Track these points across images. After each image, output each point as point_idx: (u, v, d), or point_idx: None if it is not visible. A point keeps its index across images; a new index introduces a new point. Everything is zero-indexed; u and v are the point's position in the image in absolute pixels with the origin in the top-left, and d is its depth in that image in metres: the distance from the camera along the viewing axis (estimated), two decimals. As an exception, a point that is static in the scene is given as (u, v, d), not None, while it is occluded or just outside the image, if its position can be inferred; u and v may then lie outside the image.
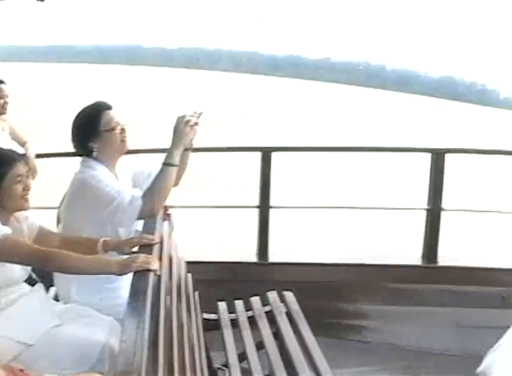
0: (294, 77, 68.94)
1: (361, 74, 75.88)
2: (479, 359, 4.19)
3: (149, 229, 3.39)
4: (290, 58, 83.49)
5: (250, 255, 5.40)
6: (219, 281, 4.98)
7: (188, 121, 3.49)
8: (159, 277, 2.82)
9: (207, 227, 8.85)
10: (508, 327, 4.13)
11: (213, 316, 4.09)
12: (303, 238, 8.55)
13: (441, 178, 5.36)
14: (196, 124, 3.54)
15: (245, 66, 72.37)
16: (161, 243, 3.30)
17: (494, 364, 4.05)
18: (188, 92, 40.33)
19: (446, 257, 5.54)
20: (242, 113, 34.11)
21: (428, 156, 5.41)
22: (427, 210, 5.44)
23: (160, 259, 3.03)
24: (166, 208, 3.95)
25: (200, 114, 3.58)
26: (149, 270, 2.71)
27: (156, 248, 3.09)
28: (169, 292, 3.03)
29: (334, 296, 5.18)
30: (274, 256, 5.41)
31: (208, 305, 4.12)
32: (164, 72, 60.83)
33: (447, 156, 5.36)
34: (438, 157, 5.34)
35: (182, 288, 3.53)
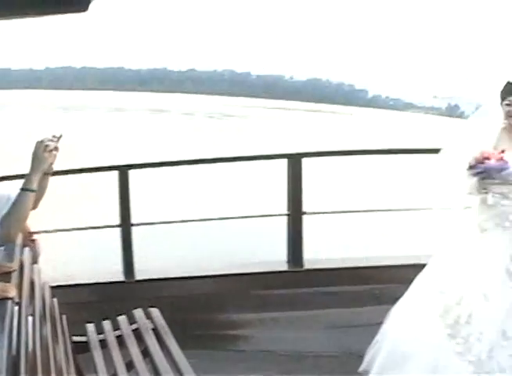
0: (161, 91, 68.52)
1: (226, 83, 76.26)
2: (357, 357, 4.38)
3: (8, 256, 3.32)
4: (154, 72, 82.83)
5: (117, 274, 5.32)
6: (88, 303, 4.89)
7: (47, 146, 3.42)
8: (18, 304, 2.80)
9: (76, 249, 8.70)
10: (380, 323, 4.33)
11: (83, 339, 4.02)
12: (168, 253, 8.49)
13: (300, 183, 5.43)
14: (55, 148, 3.42)
15: (111, 83, 71.27)
16: (22, 269, 3.26)
17: (373, 361, 4.24)
18: (52, 115, 39.28)
19: (312, 260, 5.68)
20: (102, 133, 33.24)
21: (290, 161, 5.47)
22: (288, 215, 5.50)
23: (21, 286, 3.02)
24: (30, 234, 3.90)
25: (60, 138, 3.45)
26: (6, 298, 2.68)
27: (15, 275, 3.05)
28: (31, 318, 2.99)
29: (204, 308, 5.16)
30: (141, 273, 5.34)
31: (79, 328, 4.06)
32: (32, 94, 58.87)
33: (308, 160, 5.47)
34: (294, 162, 5.40)
35: (47, 313, 3.47)
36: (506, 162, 3.97)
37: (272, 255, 5.94)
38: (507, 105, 4.15)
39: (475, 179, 4.05)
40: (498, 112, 4.25)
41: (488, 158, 3.99)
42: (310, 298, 5.32)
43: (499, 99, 4.23)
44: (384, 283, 4.52)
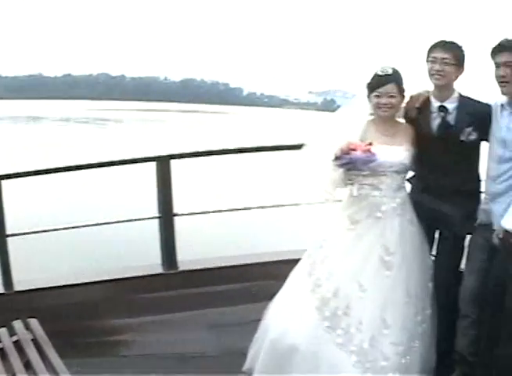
0: (37, 98, 67.20)
1: (101, 87, 75.69)
2: (238, 356, 4.36)
3: None
4: (29, 78, 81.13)
5: None
6: None
7: None
8: None
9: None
10: (259, 320, 4.33)
11: None
12: (45, 262, 8.30)
13: (169, 185, 5.39)
14: None
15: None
16: None
17: (256, 359, 4.22)
18: None
19: (187, 261, 5.62)
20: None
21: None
22: (159, 218, 5.46)
23: None
24: None
25: None
26: None
27: None
28: None
29: (83, 316, 5.04)
30: (20, 284, 5.17)
31: None
32: None
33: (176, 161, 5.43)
34: (162, 164, 5.36)
35: None
36: (374, 154, 4.01)
37: (147, 259, 5.85)
38: (376, 96, 4.19)
39: (341, 171, 4.07)
40: (364, 104, 4.31)
41: (354, 149, 4.00)
42: (187, 300, 5.29)
43: (366, 92, 4.28)
44: (260, 280, 4.55)
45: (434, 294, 4.38)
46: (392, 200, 4.22)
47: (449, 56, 4.19)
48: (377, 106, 4.21)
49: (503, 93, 4.14)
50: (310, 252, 4.32)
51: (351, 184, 4.16)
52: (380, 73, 4.20)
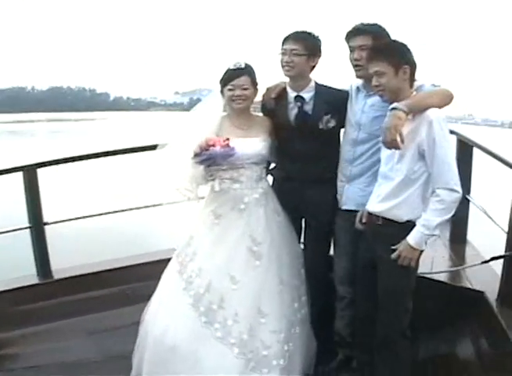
0: None
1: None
2: (121, 359, 4.40)
3: None
4: None
5: None
6: None
7: None
8: None
9: None
10: (138, 322, 4.35)
11: None
12: None
13: (37, 194, 5.32)
14: None
15: None
16: None
17: (142, 361, 4.22)
18: None
19: (61, 269, 5.55)
20: None
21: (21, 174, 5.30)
22: (30, 227, 5.37)
23: None
24: None
25: None
26: None
27: None
28: None
29: None
30: None
31: None
32: None
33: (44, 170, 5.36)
34: (29, 174, 5.28)
35: None
36: (232, 148, 4.06)
37: (22, 270, 5.74)
38: (230, 90, 4.24)
39: (201, 168, 4.10)
40: (218, 100, 4.36)
41: (213, 145, 4.04)
42: (66, 307, 5.22)
43: (219, 87, 4.33)
44: (135, 283, 4.56)
45: (306, 280, 4.49)
46: (254, 191, 4.30)
47: (299, 47, 4.24)
48: (231, 99, 4.26)
49: (358, 76, 4.24)
50: (178, 251, 4.36)
51: (213, 180, 4.20)
52: (233, 67, 4.26)
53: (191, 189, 4.17)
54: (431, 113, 3.61)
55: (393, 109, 3.62)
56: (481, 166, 6.15)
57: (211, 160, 4.04)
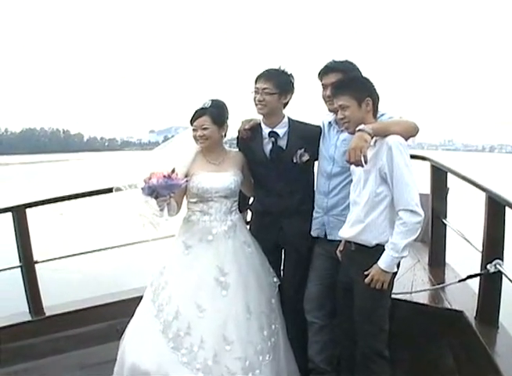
0: None
1: None
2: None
3: None
4: None
5: None
6: None
7: None
8: None
9: None
10: None
11: None
12: None
13: (27, 233, 5.47)
14: None
15: None
16: None
17: None
18: None
19: (52, 306, 5.68)
20: None
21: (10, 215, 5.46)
22: (21, 266, 5.51)
23: None
24: None
25: None
26: None
27: None
28: None
29: None
30: None
31: None
32: None
33: (30, 210, 5.49)
34: (18, 214, 5.43)
35: None
36: (173, 179, 4.14)
37: (16, 308, 5.83)
38: (194, 130, 4.42)
39: (153, 200, 4.19)
40: (188, 137, 4.52)
41: (152, 177, 4.13)
42: (57, 343, 5.35)
43: (190, 125, 4.47)
44: (124, 317, 4.66)
45: (281, 308, 4.61)
46: (223, 224, 4.47)
47: (270, 86, 4.39)
48: (195, 139, 4.45)
49: (331, 111, 4.38)
50: (152, 280, 4.49)
51: (161, 210, 4.27)
52: (198, 107, 4.43)
53: (154, 222, 4.29)
54: (391, 139, 3.77)
55: (359, 130, 3.78)
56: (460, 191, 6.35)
57: (154, 191, 4.13)
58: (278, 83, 4.42)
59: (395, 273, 3.91)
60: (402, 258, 3.82)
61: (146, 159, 4.58)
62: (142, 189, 4.14)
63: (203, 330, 4.21)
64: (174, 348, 4.19)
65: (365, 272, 3.83)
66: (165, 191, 4.14)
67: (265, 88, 4.41)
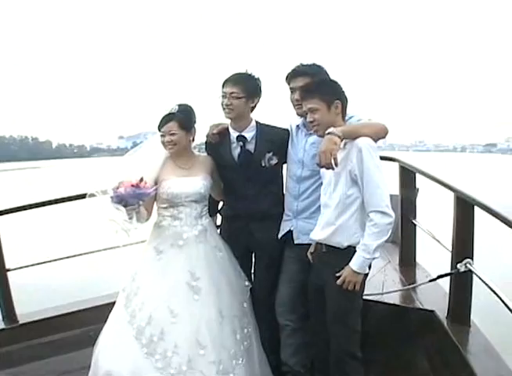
0: None
1: None
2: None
3: None
4: None
5: None
6: None
7: None
8: None
9: None
10: None
11: None
12: None
13: None
14: None
15: None
16: None
17: None
18: None
19: (26, 314, 5.69)
20: None
21: None
22: None
23: None
24: None
25: None
26: None
27: None
28: None
29: None
30: None
31: None
32: None
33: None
34: None
35: None
36: (141, 187, 4.14)
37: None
38: (162, 136, 4.41)
39: (123, 208, 4.15)
40: (157, 143, 4.50)
41: (121, 186, 4.13)
42: (33, 351, 5.34)
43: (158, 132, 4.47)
44: (97, 323, 4.66)
45: (253, 311, 4.64)
46: (194, 228, 4.48)
47: (237, 90, 4.39)
48: (164, 144, 4.44)
49: (299, 115, 4.40)
50: (124, 286, 4.47)
51: (130, 218, 4.23)
52: (166, 113, 4.43)
53: (126, 228, 4.24)
54: (361, 141, 3.79)
55: (329, 133, 3.78)
56: (431, 191, 6.38)
57: (123, 200, 4.11)
58: (245, 87, 4.43)
59: (367, 274, 3.93)
60: (374, 259, 3.84)
61: (116, 166, 4.53)
62: (111, 197, 4.12)
63: (176, 336, 4.21)
64: (148, 353, 4.18)
65: (337, 274, 3.85)
66: (134, 200, 4.13)
67: (232, 93, 4.41)
